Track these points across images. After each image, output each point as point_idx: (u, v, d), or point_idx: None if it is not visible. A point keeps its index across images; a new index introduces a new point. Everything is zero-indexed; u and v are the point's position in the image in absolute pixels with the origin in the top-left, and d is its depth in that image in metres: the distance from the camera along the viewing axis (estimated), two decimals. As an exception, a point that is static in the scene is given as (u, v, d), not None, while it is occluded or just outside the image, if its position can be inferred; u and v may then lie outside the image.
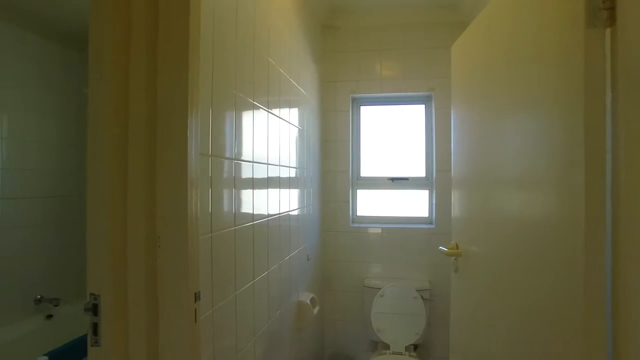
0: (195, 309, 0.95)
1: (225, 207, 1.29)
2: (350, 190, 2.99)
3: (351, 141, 3.01)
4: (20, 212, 2.87)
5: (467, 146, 1.67)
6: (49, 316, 3.00)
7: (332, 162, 2.97)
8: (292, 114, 2.10)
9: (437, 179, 2.83)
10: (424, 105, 3.02)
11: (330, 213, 2.97)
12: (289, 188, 2.06)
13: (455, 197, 1.82)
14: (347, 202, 2.96)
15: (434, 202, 2.90)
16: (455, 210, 1.80)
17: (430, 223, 2.95)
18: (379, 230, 2.90)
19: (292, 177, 2.11)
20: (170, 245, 0.92)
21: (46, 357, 2.35)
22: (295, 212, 2.18)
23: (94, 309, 0.91)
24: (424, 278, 2.81)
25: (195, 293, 0.95)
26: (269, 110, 1.72)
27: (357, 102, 3.08)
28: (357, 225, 2.97)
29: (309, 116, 2.52)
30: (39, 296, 2.99)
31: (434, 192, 2.89)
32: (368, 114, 3.11)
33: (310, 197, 2.54)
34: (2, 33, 2.74)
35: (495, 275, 1.37)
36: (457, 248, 1.69)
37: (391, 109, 3.09)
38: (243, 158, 1.43)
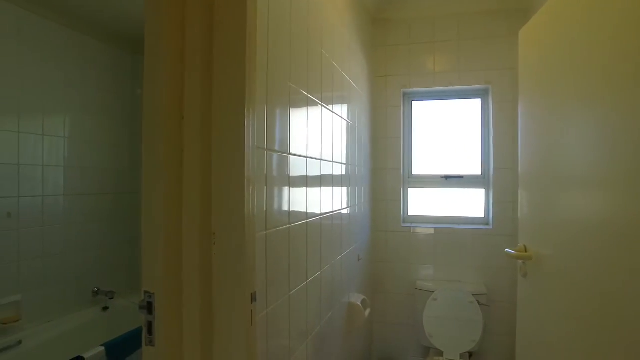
0: (252, 311, 0.90)
1: (280, 204, 1.24)
2: (401, 189, 2.87)
3: (402, 138, 2.89)
4: (79, 208, 3.00)
5: (539, 141, 1.53)
6: (105, 308, 3.11)
7: (382, 159, 2.88)
8: (344, 109, 2.03)
9: (494, 177, 2.66)
10: (479, 100, 2.85)
11: (381, 212, 2.88)
12: (341, 186, 1.99)
13: (523, 196, 1.67)
14: (398, 201, 2.85)
15: (490, 201, 2.73)
16: (524, 211, 1.66)
17: (487, 224, 2.79)
18: (432, 231, 2.77)
19: (344, 175, 2.04)
20: (226, 242, 0.88)
21: (102, 348, 2.41)
22: (347, 211, 2.11)
23: (149, 307, 0.88)
24: (480, 282, 2.66)
25: (251, 294, 0.90)
26: (323, 104, 1.66)
27: (409, 97, 2.96)
28: (408, 225, 2.86)
29: (360, 112, 2.44)
30: (96, 289, 3.11)
31: (491, 191, 2.73)
32: (420, 109, 2.99)
33: (361, 195, 2.46)
34: (65, 38, 2.87)
35: (576, 283, 1.23)
36: (526, 251, 1.55)
37: (444, 104, 2.95)
38: (298, 153, 1.38)
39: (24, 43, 2.58)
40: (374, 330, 2.90)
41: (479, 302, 2.49)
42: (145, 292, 0.88)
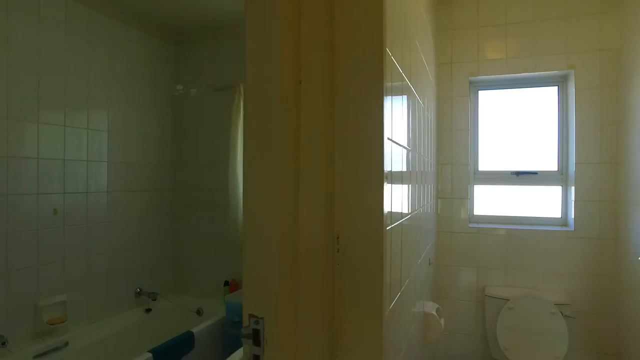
0: (385, 339, 0.70)
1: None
2: (468, 186, 2.62)
3: (469, 130, 2.64)
4: (121, 205, 2.89)
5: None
6: (148, 310, 3.00)
7: (447, 153, 2.63)
8: (424, 97, 1.81)
9: (577, 174, 2.37)
10: (556, 87, 2.57)
11: (445, 211, 2.63)
12: (422, 182, 1.77)
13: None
14: (465, 200, 2.60)
15: (571, 200, 2.44)
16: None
17: (565, 225, 2.50)
18: (503, 232, 2.51)
19: (423, 170, 1.82)
20: (354, 249, 0.68)
21: (150, 354, 2.28)
22: (425, 209, 1.89)
23: (255, 336, 0.68)
24: (560, 290, 2.38)
25: (385, 315, 0.70)
26: (411, 85, 1.44)
27: (475, 86, 2.71)
28: (475, 225, 2.60)
29: (430, 101, 2.20)
30: (138, 289, 3.01)
31: (571, 188, 2.44)
32: (487, 99, 2.72)
33: (430, 192, 2.23)
34: (110, 29, 2.76)
35: None
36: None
37: (515, 93, 2.67)
38: (398, 141, 1.17)
39: (71, 35, 2.49)
40: (438, 340, 2.66)
41: (562, 313, 2.22)
42: (251, 316, 0.67)
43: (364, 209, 0.66)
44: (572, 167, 2.42)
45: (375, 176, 0.65)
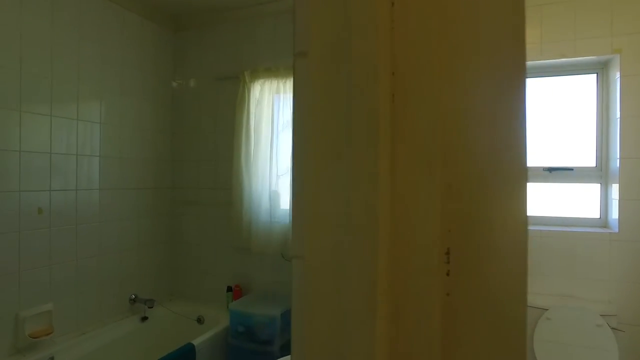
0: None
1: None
2: (498, 184, 2.38)
3: (499, 122, 2.40)
4: (115, 204, 2.65)
5: None
6: (144, 318, 2.77)
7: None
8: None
9: (622, 170, 2.14)
10: (595, 75, 2.34)
11: (473, 211, 2.39)
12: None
13: None
14: (494, 198, 2.36)
15: (612, 199, 2.22)
16: None
17: (605, 226, 2.28)
18: (536, 234, 2.27)
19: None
20: (478, 269, 0.43)
21: (148, 370, 2.04)
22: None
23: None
24: (604, 299, 2.15)
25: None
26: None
27: (503, 74, 2.47)
28: (505, 227, 2.36)
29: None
30: (133, 296, 2.78)
31: (612, 186, 2.22)
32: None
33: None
34: (103, 11, 2.52)
35: None
36: None
37: (547, 82, 2.44)
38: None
39: (59, 16, 2.23)
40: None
41: (608, 325, 1.99)
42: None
43: (495, 212, 0.42)
44: (614, 163, 2.20)
45: (516, 164, 0.41)
